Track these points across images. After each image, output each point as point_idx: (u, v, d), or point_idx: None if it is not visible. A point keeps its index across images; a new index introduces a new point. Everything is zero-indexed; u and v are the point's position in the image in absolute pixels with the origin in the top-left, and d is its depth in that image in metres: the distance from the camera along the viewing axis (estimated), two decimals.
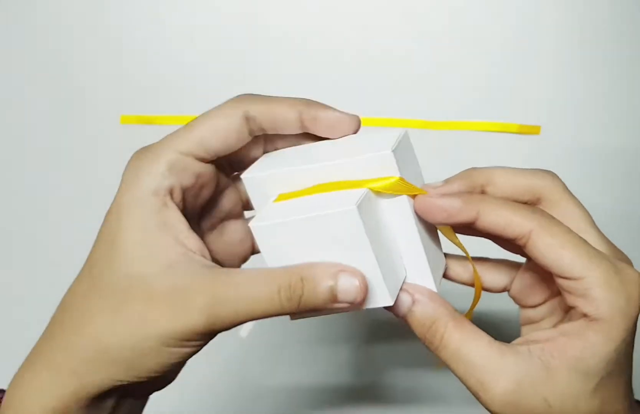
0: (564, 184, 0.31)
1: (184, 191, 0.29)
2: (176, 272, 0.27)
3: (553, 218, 0.28)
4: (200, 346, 0.28)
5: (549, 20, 0.59)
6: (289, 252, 0.28)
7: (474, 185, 0.30)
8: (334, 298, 0.26)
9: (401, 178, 0.28)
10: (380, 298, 0.28)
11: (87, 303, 0.28)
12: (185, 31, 0.62)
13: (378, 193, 0.28)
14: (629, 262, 0.29)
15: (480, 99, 0.59)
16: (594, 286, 0.26)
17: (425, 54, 0.60)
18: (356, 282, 0.26)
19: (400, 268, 0.30)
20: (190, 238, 0.28)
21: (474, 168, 0.31)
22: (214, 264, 0.28)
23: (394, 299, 0.28)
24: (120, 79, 0.62)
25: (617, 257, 0.29)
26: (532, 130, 0.59)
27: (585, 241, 0.27)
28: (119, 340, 0.27)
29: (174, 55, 0.62)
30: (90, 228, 0.63)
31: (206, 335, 0.27)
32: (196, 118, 0.30)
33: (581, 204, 0.31)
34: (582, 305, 0.26)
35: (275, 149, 0.34)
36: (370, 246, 0.27)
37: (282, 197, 0.30)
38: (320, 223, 0.27)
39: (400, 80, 0.60)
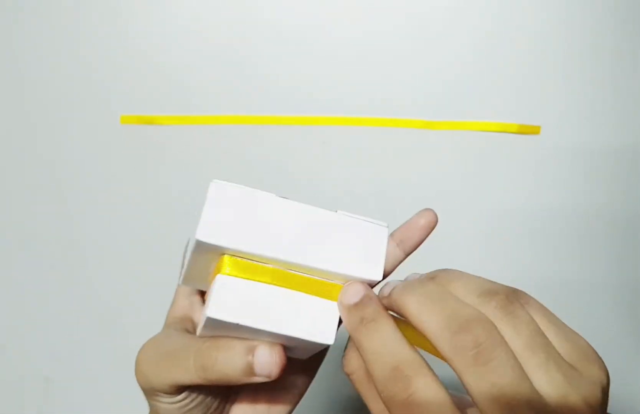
0: (480, 353, 0.23)
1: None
2: None
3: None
4: (174, 402, 0.30)
5: (549, 21, 0.59)
6: (233, 334, 0.27)
7: None
8: (250, 369, 0.27)
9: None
10: (318, 344, 0.27)
11: None
12: (186, 31, 0.61)
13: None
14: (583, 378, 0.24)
15: (480, 99, 0.59)
16: None
17: (425, 54, 0.60)
18: (275, 357, 0.27)
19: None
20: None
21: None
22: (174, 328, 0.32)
23: (334, 338, 0.27)
24: (120, 79, 0.62)
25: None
26: (532, 130, 0.59)
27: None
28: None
29: (174, 56, 0.62)
30: (90, 228, 0.64)
31: (160, 394, 0.30)
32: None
33: (499, 374, 0.23)
34: None
35: None
36: (262, 327, 0.26)
37: (233, 265, 0.27)
38: (287, 337, 0.26)
39: (400, 80, 0.60)
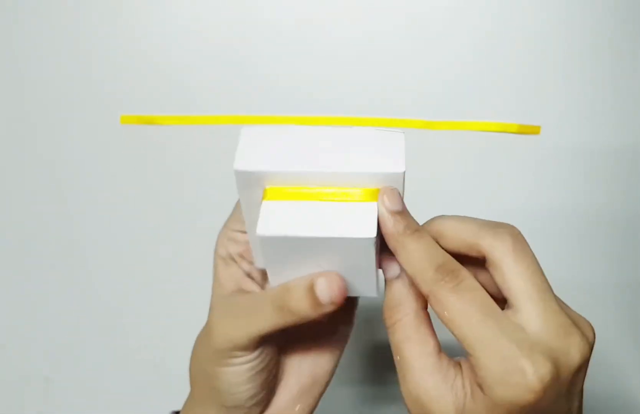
0: (516, 242, 0.29)
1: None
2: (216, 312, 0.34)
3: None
4: (249, 361, 0.32)
5: (549, 21, 0.59)
6: (290, 260, 0.30)
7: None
8: (317, 304, 0.29)
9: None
10: (367, 291, 0.31)
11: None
12: (186, 31, 0.61)
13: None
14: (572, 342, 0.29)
15: (480, 99, 0.59)
16: (483, 368, 0.26)
17: (425, 54, 0.60)
18: (332, 284, 0.29)
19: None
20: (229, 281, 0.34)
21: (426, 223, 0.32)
22: (235, 295, 0.34)
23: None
24: (120, 79, 0.62)
25: (558, 336, 0.28)
26: (532, 130, 0.59)
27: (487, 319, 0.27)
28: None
29: (174, 56, 0.62)
30: (90, 228, 0.64)
31: (238, 351, 0.31)
32: None
33: (533, 267, 0.29)
34: (475, 370, 0.27)
35: None
36: (374, 265, 0.29)
37: (276, 193, 0.30)
38: (332, 243, 0.28)
39: (400, 80, 0.60)
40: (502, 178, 0.60)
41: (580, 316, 0.31)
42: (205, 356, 0.33)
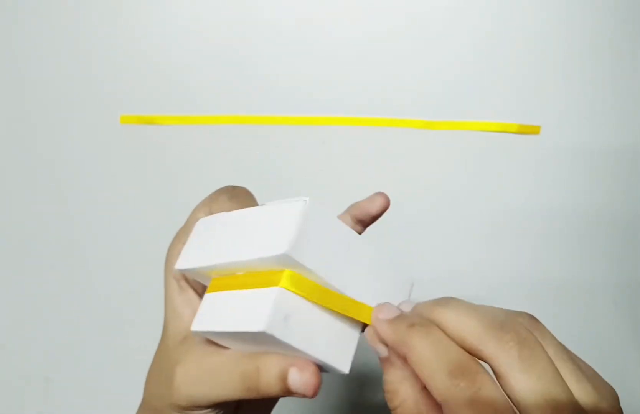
0: (523, 348, 0.24)
1: None
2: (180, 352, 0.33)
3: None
4: None
5: (549, 21, 0.59)
6: (239, 343, 0.29)
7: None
8: (287, 391, 0.27)
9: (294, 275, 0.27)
10: (335, 370, 0.28)
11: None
12: (186, 31, 0.61)
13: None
14: None
15: (480, 99, 0.59)
16: None
17: (425, 54, 0.60)
18: (305, 377, 0.27)
19: (350, 328, 0.29)
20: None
21: (424, 305, 0.28)
22: (202, 350, 0.31)
23: (348, 368, 0.28)
24: (120, 79, 0.62)
25: None
26: (532, 130, 0.59)
27: None
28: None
29: (174, 56, 0.62)
30: (90, 228, 0.64)
31: (196, 410, 0.31)
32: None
33: (545, 377, 0.23)
34: None
35: None
36: (295, 346, 0.26)
37: (215, 285, 0.30)
38: (244, 335, 0.27)
39: (400, 80, 0.60)
40: (502, 178, 0.60)
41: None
42: (162, 397, 0.32)
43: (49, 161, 0.62)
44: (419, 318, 0.26)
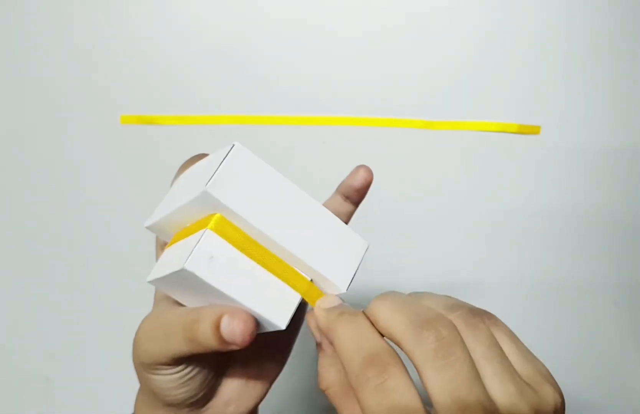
0: (440, 348, 0.24)
1: None
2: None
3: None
4: (176, 373, 0.31)
5: (549, 21, 0.59)
6: (204, 295, 0.28)
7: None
8: (222, 341, 0.27)
9: (220, 218, 0.27)
10: (272, 324, 0.28)
11: None
12: (186, 31, 0.62)
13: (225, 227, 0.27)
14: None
15: (480, 99, 0.59)
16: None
17: (425, 54, 0.60)
18: (237, 324, 0.27)
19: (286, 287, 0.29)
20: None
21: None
22: (161, 307, 0.33)
23: (286, 323, 0.28)
24: (120, 79, 0.62)
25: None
26: (532, 130, 0.59)
27: None
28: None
29: (174, 55, 0.62)
30: (90, 228, 0.64)
31: (161, 366, 0.31)
32: None
33: (457, 379, 0.24)
34: None
35: None
36: (224, 291, 0.27)
37: (223, 230, 0.28)
38: (176, 277, 0.27)
39: (400, 80, 0.60)
40: (502, 178, 0.60)
41: None
42: (137, 362, 0.32)
43: (49, 161, 0.62)
44: (350, 308, 0.28)
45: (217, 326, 0.27)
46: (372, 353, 0.25)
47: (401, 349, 0.25)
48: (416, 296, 0.28)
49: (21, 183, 0.63)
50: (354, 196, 0.37)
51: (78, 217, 0.62)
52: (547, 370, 0.27)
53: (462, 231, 0.60)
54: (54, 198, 0.62)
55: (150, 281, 0.30)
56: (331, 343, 0.27)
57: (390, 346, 0.26)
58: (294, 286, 0.28)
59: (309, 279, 0.28)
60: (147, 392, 0.33)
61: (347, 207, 0.37)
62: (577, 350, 0.58)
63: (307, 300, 0.28)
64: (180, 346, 0.29)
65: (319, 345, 0.29)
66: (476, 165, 0.59)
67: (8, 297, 0.62)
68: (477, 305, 0.29)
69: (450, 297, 0.28)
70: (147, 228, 0.32)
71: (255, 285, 0.27)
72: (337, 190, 0.37)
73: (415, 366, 0.24)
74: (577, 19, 0.59)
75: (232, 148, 0.27)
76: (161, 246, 0.35)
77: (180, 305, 0.32)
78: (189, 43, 0.61)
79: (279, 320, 0.27)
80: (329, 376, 0.28)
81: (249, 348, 0.30)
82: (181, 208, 0.28)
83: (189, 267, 0.26)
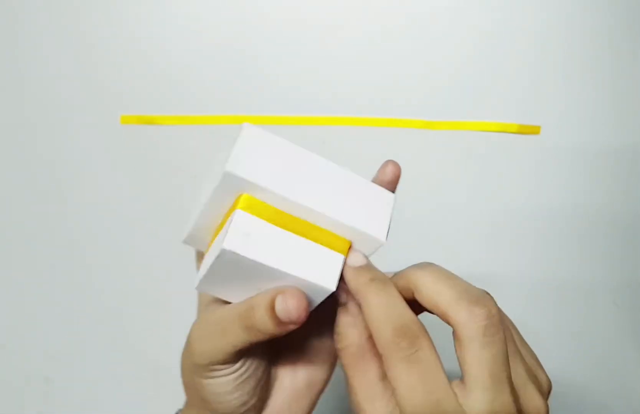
0: (489, 326, 0.26)
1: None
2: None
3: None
4: (232, 372, 0.32)
5: (549, 21, 0.59)
6: (247, 277, 0.29)
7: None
8: (279, 322, 0.28)
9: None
10: (321, 288, 0.28)
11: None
12: (186, 31, 0.62)
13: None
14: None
15: (480, 99, 0.59)
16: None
17: (425, 54, 0.60)
18: (290, 302, 0.28)
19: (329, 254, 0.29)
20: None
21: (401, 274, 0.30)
22: (210, 307, 0.33)
23: (335, 284, 0.28)
24: (120, 79, 0.62)
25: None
26: (532, 130, 0.59)
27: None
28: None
29: (174, 55, 0.62)
30: (90, 228, 0.64)
31: (218, 365, 0.31)
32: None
33: (498, 356, 0.26)
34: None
35: None
36: (267, 263, 0.27)
37: (254, 206, 0.28)
38: (293, 279, 0.28)
39: (400, 80, 0.60)
40: (502, 178, 0.60)
41: (538, 400, 0.28)
42: (189, 368, 0.32)
43: (49, 161, 0.62)
44: (381, 273, 0.29)
45: (272, 308, 0.28)
46: (403, 323, 0.27)
47: (445, 319, 0.27)
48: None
49: (21, 183, 0.63)
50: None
51: (78, 217, 0.62)
52: (537, 357, 0.30)
53: (462, 231, 0.60)
54: (54, 198, 0.62)
55: (197, 287, 0.30)
56: (358, 305, 0.28)
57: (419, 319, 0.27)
58: (335, 248, 0.28)
59: (348, 239, 0.29)
60: (197, 405, 0.33)
61: None
62: (577, 350, 0.58)
63: (325, 244, 0.29)
64: (239, 336, 0.30)
65: (342, 305, 0.29)
66: (476, 165, 0.59)
67: (8, 297, 0.62)
68: None
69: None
70: (184, 242, 0.32)
71: (297, 253, 0.28)
72: None
73: (459, 338, 0.26)
74: (577, 19, 0.59)
75: (242, 128, 0.28)
76: (200, 258, 0.35)
77: (228, 303, 0.32)
78: (189, 43, 0.61)
79: (328, 282, 0.28)
80: (349, 337, 0.29)
81: (296, 360, 0.32)
82: (209, 203, 0.29)
83: (228, 246, 0.26)
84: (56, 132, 0.62)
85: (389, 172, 0.36)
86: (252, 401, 0.33)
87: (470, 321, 0.26)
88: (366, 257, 0.29)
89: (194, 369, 0.32)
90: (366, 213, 0.28)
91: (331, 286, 0.27)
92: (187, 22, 0.61)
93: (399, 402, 0.26)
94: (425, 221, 0.60)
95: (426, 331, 0.27)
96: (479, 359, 0.26)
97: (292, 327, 0.28)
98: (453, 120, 0.60)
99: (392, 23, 0.60)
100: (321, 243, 0.28)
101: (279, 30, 0.61)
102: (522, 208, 0.59)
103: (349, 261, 0.29)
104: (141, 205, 0.61)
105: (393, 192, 0.36)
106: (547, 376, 0.29)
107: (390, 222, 0.29)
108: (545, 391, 0.28)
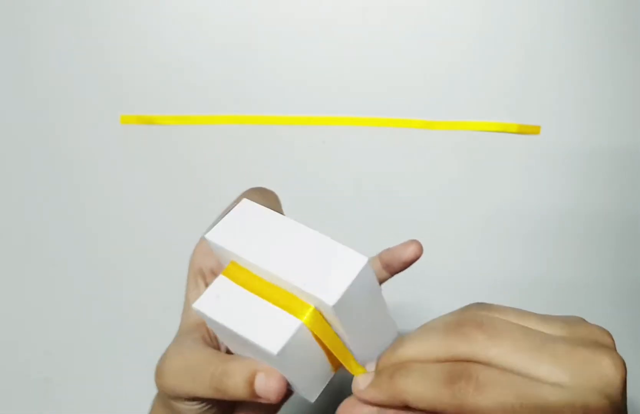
0: (487, 328, 0.25)
1: None
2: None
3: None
4: (196, 409, 0.32)
5: (549, 21, 0.59)
6: (230, 339, 0.30)
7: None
8: (254, 395, 0.29)
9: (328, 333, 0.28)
10: (303, 395, 0.30)
11: None
12: (186, 31, 0.61)
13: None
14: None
15: (480, 99, 0.59)
16: None
17: (425, 53, 0.60)
18: (270, 384, 0.28)
19: (324, 371, 0.30)
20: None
21: (390, 355, 0.28)
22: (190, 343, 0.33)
23: (314, 399, 0.30)
24: (120, 79, 0.62)
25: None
26: (532, 130, 0.59)
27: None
28: None
29: (174, 55, 0.62)
30: (90, 228, 0.64)
31: (182, 401, 0.32)
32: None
33: (516, 335, 0.25)
34: None
35: None
36: (287, 374, 0.28)
37: (233, 272, 0.30)
38: (250, 343, 0.28)
39: (400, 80, 0.60)
40: (501, 178, 0.60)
41: (592, 326, 0.27)
42: (159, 388, 0.33)
43: (48, 161, 0.62)
44: (391, 366, 0.27)
45: (251, 383, 0.28)
46: (447, 372, 0.25)
47: (456, 358, 0.25)
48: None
49: (21, 183, 0.63)
50: (396, 266, 0.37)
51: (78, 217, 0.62)
52: (575, 317, 0.28)
53: (461, 231, 0.60)
54: (54, 198, 0.62)
55: (198, 311, 0.30)
56: (400, 406, 0.26)
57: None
58: (294, 312, 0.28)
59: (312, 305, 0.28)
60: (165, 407, 0.34)
61: (383, 274, 0.37)
62: None
63: (309, 325, 0.28)
64: (205, 392, 0.30)
65: None
66: (476, 165, 0.59)
67: (8, 297, 0.62)
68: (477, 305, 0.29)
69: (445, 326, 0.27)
70: (209, 242, 0.32)
71: (255, 316, 0.28)
72: (379, 256, 0.37)
73: (482, 362, 0.24)
74: (577, 19, 0.59)
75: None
76: (196, 275, 0.36)
77: (210, 343, 0.33)
78: (190, 43, 0.61)
79: (271, 346, 0.27)
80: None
81: None
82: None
83: (197, 306, 0.29)
84: (56, 131, 0.62)
85: (411, 252, 0.36)
86: None
87: (471, 344, 0.25)
88: (367, 374, 0.28)
89: (162, 393, 0.33)
90: (325, 277, 0.27)
91: (274, 350, 0.27)
92: (188, 22, 0.61)
93: None
94: (425, 221, 0.60)
95: (465, 360, 0.25)
96: (511, 356, 0.24)
97: (265, 402, 0.29)
98: (453, 120, 0.60)
99: (393, 23, 0.60)
100: (284, 308, 0.28)
101: (279, 30, 0.61)
102: (522, 207, 0.59)
103: (358, 387, 0.28)
104: (141, 205, 0.61)
105: (400, 271, 0.36)
106: (607, 342, 0.27)
107: (351, 287, 0.27)
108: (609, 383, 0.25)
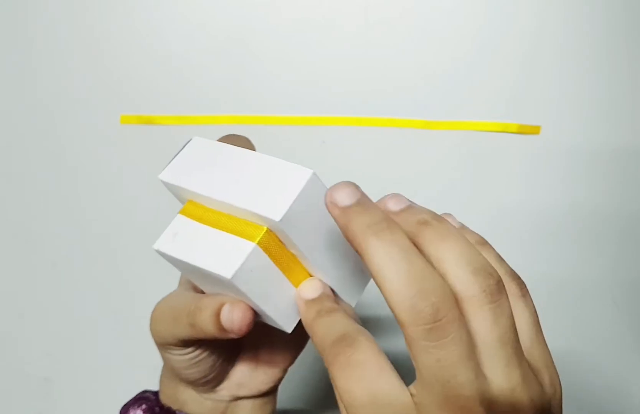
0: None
1: None
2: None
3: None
4: (186, 354, 0.33)
5: (549, 20, 0.59)
6: (196, 277, 0.31)
7: None
8: (221, 329, 0.29)
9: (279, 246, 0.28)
10: (278, 325, 0.30)
11: None
12: (186, 31, 0.62)
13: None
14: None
15: (480, 99, 0.59)
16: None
17: (425, 53, 0.60)
18: (234, 313, 0.29)
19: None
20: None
21: None
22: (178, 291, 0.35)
23: (291, 329, 0.30)
24: (120, 79, 0.62)
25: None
26: (532, 130, 0.59)
27: None
28: None
29: (174, 55, 0.62)
30: (90, 228, 0.64)
31: (171, 347, 0.33)
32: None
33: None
34: None
35: None
36: (252, 300, 0.28)
37: (190, 209, 0.30)
38: (208, 274, 0.28)
39: (400, 80, 0.60)
40: (502, 178, 0.60)
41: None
42: (152, 332, 0.34)
43: (48, 161, 0.62)
44: (328, 304, 0.28)
45: (218, 315, 0.29)
46: (343, 333, 0.25)
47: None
48: (440, 230, 0.28)
49: (20, 183, 0.63)
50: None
51: (77, 217, 0.62)
52: (551, 358, 0.27)
53: None
54: (54, 198, 0.62)
55: (159, 252, 0.31)
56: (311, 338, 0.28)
57: (363, 327, 0.26)
58: (247, 237, 0.28)
59: (266, 227, 0.28)
60: (168, 367, 0.35)
61: None
62: (576, 350, 0.58)
63: (263, 247, 0.28)
64: (185, 331, 0.31)
65: None
66: (476, 165, 0.59)
67: (8, 297, 0.62)
68: None
69: (478, 253, 0.27)
70: (164, 182, 0.33)
71: (210, 246, 0.28)
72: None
73: (405, 335, 0.23)
74: (577, 19, 0.59)
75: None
76: None
77: (197, 290, 0.34)
78: (190, 43, 0.61)
79: (225, 271, 0.27)
80: None
81: (258, 336, 0.32)
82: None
83: (157, 246, 0.30)
84: (56, 131, 0.62)
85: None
86: (211, 376, 0.34)
87: (410, 325, 0.23)
88: (320, 285, 0.29)
89: (156, 344, 0.34)
90: (273, 195, 0.27)
91: (228, 274, 0.27)
92: (188, 22, 0.61)
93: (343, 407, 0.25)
94: None
95: (369, 335, 0.25)
96: (425, 367, 0.23)
97: (233, 336, 0.29)
98: (453, 120, 0.60)
99: (393, 23, 0.60)
100: (239, 235, 0.28)
101: (279, 30, 0.61)
102: (522, 208, 0.59)
103: (299, 293, 0.29)
104: (141, 205, 0.61)
105: None
106: (554, 381, 0.26)
107: (296, 201, 0.27)
108: (543, 399, 0.25)
